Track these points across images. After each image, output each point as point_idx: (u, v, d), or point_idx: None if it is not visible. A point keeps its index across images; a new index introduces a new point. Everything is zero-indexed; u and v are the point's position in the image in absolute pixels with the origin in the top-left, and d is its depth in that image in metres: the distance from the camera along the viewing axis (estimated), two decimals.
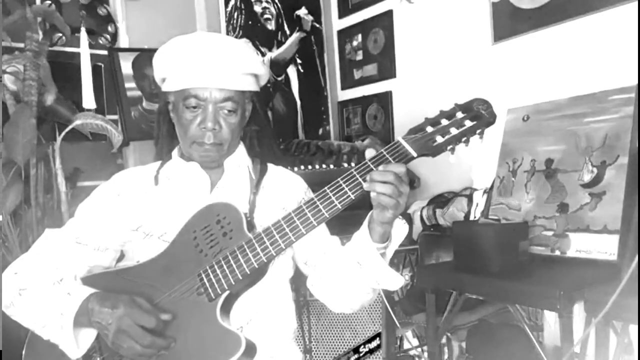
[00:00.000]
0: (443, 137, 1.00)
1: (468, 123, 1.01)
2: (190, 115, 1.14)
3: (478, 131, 1.01)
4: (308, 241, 1.16)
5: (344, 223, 1.22)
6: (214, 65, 1.13)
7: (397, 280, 1.08)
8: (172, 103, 1.19)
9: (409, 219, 2.39)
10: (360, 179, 1.00)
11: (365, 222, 1.06)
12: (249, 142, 1.29)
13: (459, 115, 1.02)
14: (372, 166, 1.00)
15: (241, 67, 1.15)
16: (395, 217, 1.02)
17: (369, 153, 1.03)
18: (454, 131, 1.00)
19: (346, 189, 1.00)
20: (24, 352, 1.14)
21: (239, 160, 1.24)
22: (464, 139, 1.01)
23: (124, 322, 1.00)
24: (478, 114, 1.01)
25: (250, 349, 1.02)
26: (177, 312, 1.05)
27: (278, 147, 1.63)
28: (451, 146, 1.01)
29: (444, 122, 1.01)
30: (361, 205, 1.06)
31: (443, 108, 1.04)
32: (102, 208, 1.19)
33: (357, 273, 1.08)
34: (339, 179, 1.01)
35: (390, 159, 1.00)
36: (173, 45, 1.17)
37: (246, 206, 1.17)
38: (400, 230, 1.08)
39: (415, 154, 1.00)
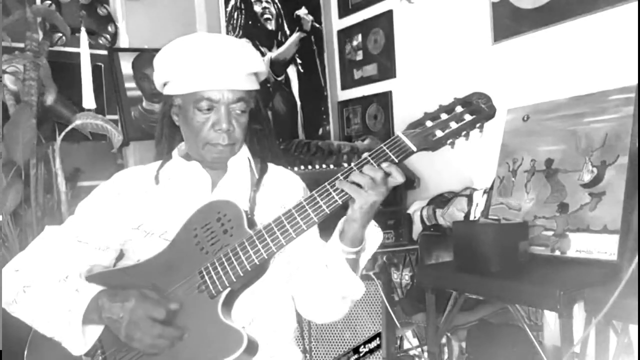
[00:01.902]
0: (443, 131, 1.00)
1: (468, 117, 1.00)
2: (202, 118, 1.14)
3: (478, 125, 1.00)
4: (294, 242, 1.16)
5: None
6: (225, 67, 1.12)
7: (358, 288, 1.08)
8: (178, 106, 1.19)
9: (409, 219, 2.39)
10: None
11: (338, 225, 1.06)
12: (249, 140, 1.29)
13: (459, 109, 1.01)
14: (371, 161, 1.00)
15: (248, 67, 1.15)
16: (364, 215, 1.01)
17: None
18: (453, 125, 1.00)
19: (341, 179, 1.00)
20: (26, 352, 1.14)
21: (243, 159, 1.24)
22: (463, 133, 1.00)
23: (134, 314, 1.00)
24: (478, 108, 1.00)
25: (252, 346, 1.02)
26: (178, 310, 1.05)
27: (278, 146, 1.62)
28: (451, 140, 1.00)
29: (444, 116, 1.01)
30: None
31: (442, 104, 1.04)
32: (103, 207, 1.19)
33: (324, 276, 1.09)
34: (339, 175, 1.01)
35: (390, 153, 0.99)
36: (176, 48, 1.16)
37: (247, 204, 1.17)
38: (373, 235, 1.08)
39: (414, 149, 1.00)
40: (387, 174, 0.99)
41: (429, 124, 1.01)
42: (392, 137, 1.01)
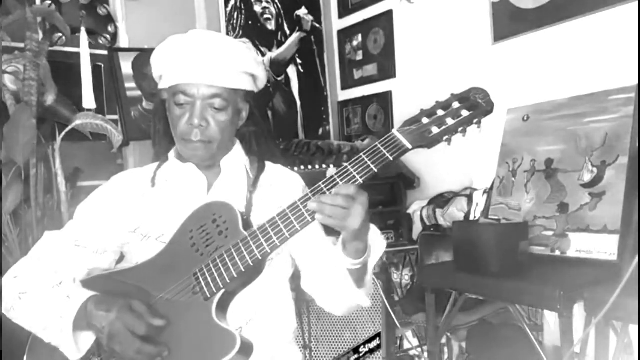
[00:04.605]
0: (439, 128, 0.97)
1: (465, 113, 0.98)
2: (179, 112, 1.14)
3: (475, 121, 0.98)
4: (301, 240, 1.15)
5: None
6: (203, 62, 1.12)
7: (362, 301, 1.11)
8: (165, 100, 1.20)
9: (409, 219, 2.39)
10: (354, 173, 0.97)
11: (339, 241, 1.04)
12: (247, 142, 1.29)
13: (456, 105, 0.99)
14: (365, 159, 0.97)
15: (233, 64, 1.14)
16: (359, 234, 0.99)
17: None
18: (450, 122, 0.98)
19: (341, 184, 0.98)
20: (25, 355, 1.14)
21: (236, 159, 1.23)
22: (460, 130, 0.98)
23: (115, 326, 0.99)
24: (475, 104, 0.98)
25: (246, 347, 1.01)
26: (173, 312, 1.04)
27: (277, 146, 1.61)
28: (447, 137, 0.98)
29: (440, 112, 0.99)
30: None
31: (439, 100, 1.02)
32: (100, 211, 1.19)
33: (341, 280, 1.09)
34: (333, 174, 0.99)
35: (384, 151, 0.97)
36: (168, 43, 1.18)
37: (243, 205, 1.17)
38: (376, 241, 1.08)
39: (410, 146, 0.97)
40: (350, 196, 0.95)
41: (425, 120, 0.98)
42: (387, 135, 0.98)
